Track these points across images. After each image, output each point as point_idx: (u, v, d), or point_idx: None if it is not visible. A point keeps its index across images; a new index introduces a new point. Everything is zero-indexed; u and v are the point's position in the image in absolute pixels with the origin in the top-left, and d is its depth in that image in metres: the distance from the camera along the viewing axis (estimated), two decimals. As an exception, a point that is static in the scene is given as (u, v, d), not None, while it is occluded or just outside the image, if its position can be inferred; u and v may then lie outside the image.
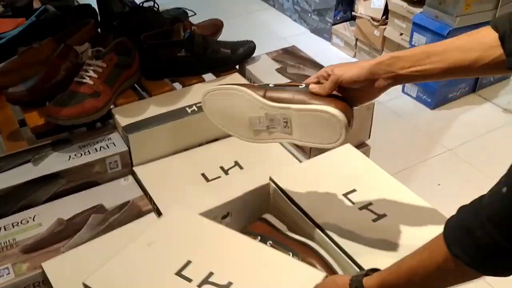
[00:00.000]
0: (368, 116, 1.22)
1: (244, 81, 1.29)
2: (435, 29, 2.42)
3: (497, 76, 2.73)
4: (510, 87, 2.78)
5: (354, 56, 3.11)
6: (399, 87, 2.79)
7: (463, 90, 2.69)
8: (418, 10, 2.54)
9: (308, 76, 1.30)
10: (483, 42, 0.74)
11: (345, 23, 3.21)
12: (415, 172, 2.19)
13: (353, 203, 0.97)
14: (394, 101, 2.70)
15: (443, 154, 2.30)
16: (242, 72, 1.35)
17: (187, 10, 1.52)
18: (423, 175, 2.17)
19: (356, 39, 3.05)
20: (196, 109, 1.16)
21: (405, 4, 2.61)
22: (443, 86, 2.58)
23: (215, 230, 0.89)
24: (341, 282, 0.75)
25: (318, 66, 1.34)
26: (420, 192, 0.98)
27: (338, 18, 3.21)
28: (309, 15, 3.45)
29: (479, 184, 2.21)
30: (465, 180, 2.10)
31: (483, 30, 0.75)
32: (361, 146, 1.26)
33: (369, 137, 1.27)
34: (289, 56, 1.39)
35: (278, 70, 1.33)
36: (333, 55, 3.20)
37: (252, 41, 1.36)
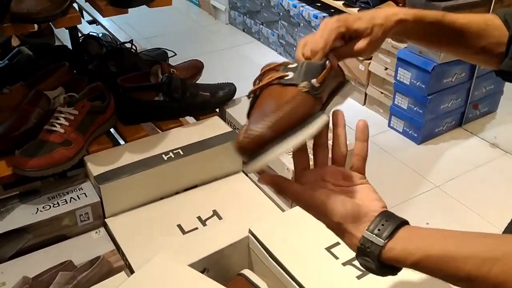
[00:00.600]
0: (348, 162, 1.18)
1: (224, 124, 1.25)
2: (420, 64, 2.41)
3: (484, 67, 2.70)
4: (496, 120, 2.78)
5: (340, 90, 3.09)
6: (385, 122, 2.78)
7: (449, 125, 2.68)
8: (402, 46, 2.54)
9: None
10: (495, 34, 0.73)
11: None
12: (403, 210, 2.15)
13: (336, 257, 0.92)
14: (381, 136, 2.68)
15: (431, 191, 2.26)
16: (222, 115, 1.31)
17: (167, 51, 1.48)
18: (411, 214, 2.13)
19: (342, 73, 3.04)
20: (172, 156, 1.11)
21: (389, 39, 2.61)
22: (429, 121, 2.56)
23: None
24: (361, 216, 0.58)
25: (300, 109, 1.31)
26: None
27: (323, 52, 3.21)
28: (294, 49, 3.45)
29: (468, 222, 2.19)
30: (453, 219, 2.06)
31: (494, 21, 0.74)
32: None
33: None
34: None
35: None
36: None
37: (232, 84, 1.32)
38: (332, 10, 3.09)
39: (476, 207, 2.08)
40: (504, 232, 0.75)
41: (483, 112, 2.78)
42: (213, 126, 1.23)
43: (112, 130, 1.24)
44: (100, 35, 1.54)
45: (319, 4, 3.16)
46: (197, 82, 1.41)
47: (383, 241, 0.54)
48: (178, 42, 3.74)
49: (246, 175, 1.22)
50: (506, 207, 2.15)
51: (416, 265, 0.54)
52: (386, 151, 2.54)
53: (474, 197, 2.16)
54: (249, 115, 0.64)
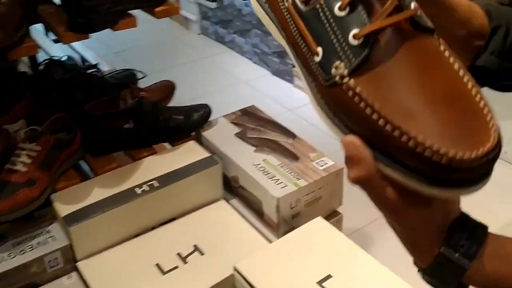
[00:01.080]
0: (338, 182, 1.12)
1: (201, 149, 1.17)
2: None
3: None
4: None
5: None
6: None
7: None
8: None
9: (270, 140, 1.21)
10: (476, 23, 0.64)
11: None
12: (379, 227, 2.09)
13: (329, 292, 0.86)
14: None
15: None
16: (199, 140, 1.23)
17: (135, 72, 1.40)
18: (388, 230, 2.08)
19: (318, 80, 2.99)
20: (147, 189, 1.03)
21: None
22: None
23: None
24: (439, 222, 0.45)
25: (281, 128, 1.24)
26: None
27: (298, 59, 3.16)
28: (269, 57, 3.39)
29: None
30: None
31: (476, 9, 0.64)
32: (333, 214, 1.15)
33: (340, 204, 1.16)
34: (249, 118, 1.29)
35: (237, 135, 1.22)
36: (296, 96, 3.13)
37: (207, 105, 1.25)
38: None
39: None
40: None
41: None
42: (190, 152, 1.16)
43: (81, 162, 1.15)
44: (65, 57, 1.45)
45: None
46: (169, 104, 1.34)
47: (469, 263, 0.43)
48: (150, 55, 3.65)
49: (228, 202, 1.15)
50: (493, 211, 2.11)
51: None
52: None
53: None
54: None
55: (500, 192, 2.18)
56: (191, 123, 1.21)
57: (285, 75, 3.27)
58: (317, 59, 0.41)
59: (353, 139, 0.39)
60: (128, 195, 1.02)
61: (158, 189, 1.04)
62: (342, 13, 0.39)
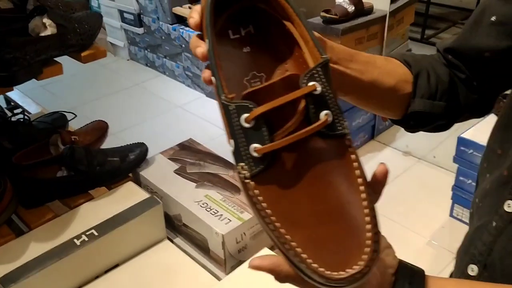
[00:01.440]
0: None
1: (141, 190, 1.15)
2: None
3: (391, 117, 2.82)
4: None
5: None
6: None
7: (363, 139, 2.74)
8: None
9: (210, 174, 1.20)
10: (399, 72, 0.68)
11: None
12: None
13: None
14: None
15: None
16: (137, 180, 1.21)
17: (65, 113, 1.36)
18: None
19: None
20: (86, 239, 1.00)
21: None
22: (343, 138, 2.60)
23: None
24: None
25: (220, 160, 1.24)
26: None
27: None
28: (202, 79, 3.39)
29: (395, 236, 2.20)
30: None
31: (394, 61, 0.69)
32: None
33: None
34: (187, 152, 1.28)
35: (177, 172, 1.21)
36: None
37: (143, 144, 1.23)
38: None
39: (401, 219, 2.12)
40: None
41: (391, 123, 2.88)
42: (128, 194, 1.13)
43: (13, 216, 1.10)
44: (-13, 105, 1.38)
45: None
46: (102, 146, 1.31)
47: None
48: (78, 85, 3.55)
49: (172, 241, 1.13)
50: (429, 215, 2.21)
51: None
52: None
53: (398, 210, 2.20)
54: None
55: (433, 195, 2.28)
56: (128, 164, 1.18)
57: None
58: (231, 148, 0.43)
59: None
60: (67, 248, 0.98)
61: (98, 238, 1.00)
62: (247, 125, 0.42)
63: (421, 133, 0.78)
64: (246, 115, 0.41)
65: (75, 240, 1.00)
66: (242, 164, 0.42)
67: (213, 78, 0.45)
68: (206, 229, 1.06)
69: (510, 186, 0.62)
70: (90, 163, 1.12)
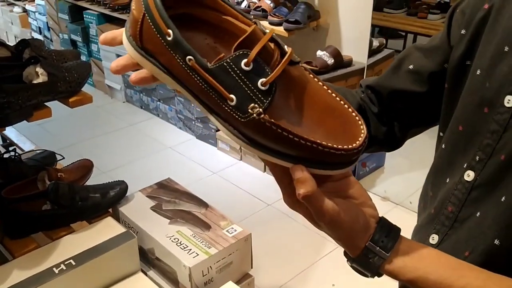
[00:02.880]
0: (247, 247, 1.22)
1: (118, 225, 1.25)
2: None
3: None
4: (384, 175, 2.99)
5: (241, 159, 3.19)
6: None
7: (344, 184, 2.84)
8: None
9: (184, 211, 1.30)
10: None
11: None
12: (309, 275, 2.21)
13: None
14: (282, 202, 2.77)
15: (334, 251, 2.36)
16: (116, 215, 1.31)
17: (55, 153, 1.47)
18: (316, 277, 2.20)
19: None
20: (64, 268, 1.09)
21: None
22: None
23: None
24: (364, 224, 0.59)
25: (194, 199, 1.34)
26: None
27: (220, 124, 3.31)
28: (193, 122, 3.52)
29: (375, 279, 2.28)
30: (357, 277, 2.15)
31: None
32: (244, 277, 1.25)
33: (251, 267, 1.26)
34: (164, 191, 1.38)
35: (153, 208, 1.31)
36: (220, 159, 3.26)
37: (123, 182, 1.34)
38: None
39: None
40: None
41: (372, 168, 2.98)
42: (107, 229, 1.23)
43: (-2, 245, 1.19)
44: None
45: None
46: (88, 183, 1.41)
47: (387, 254, 0.58)
48: (74, 124, 3.67)
49: (145, 274, 1.22)
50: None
51: (411, 282, 0.58)
52: (288, 215, 2.63)
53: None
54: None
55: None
56: (108, 200, 1.28)
57: (209, 138, 3.40)
58: (232, 103, 0.52)
59: (299, 166, 0.53)
60: (45, 276, 1.06)
61: (75, 267, 1.09)
62: (248, 68, 0.51)
63: (399, 179, 0.91)
64: (245, 60, 0.51)
65: (54, 269, 1.08)
66: (252, 104, 0.51)
67: (190, 57, 0.53)
68: (175, 262, 1.15)
69: (435, 222, 0.74)
70: (73, 199, 1.22)
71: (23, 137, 2.15)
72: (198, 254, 1.14)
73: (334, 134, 0.53)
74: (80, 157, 1.47)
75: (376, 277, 0.61)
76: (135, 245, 1.20)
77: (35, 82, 1.10)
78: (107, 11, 3.96)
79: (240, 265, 1.23)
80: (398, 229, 0.60)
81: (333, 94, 0.55)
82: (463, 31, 0.75)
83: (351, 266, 0.62)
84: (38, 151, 1.52)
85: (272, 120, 0.51)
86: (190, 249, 1.16)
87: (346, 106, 0.54)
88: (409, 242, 0.60)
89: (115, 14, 3.88)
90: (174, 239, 1.20)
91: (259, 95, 0.52)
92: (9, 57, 1.21)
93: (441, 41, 0.80)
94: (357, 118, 0.54)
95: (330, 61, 2.49)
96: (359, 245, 0.58)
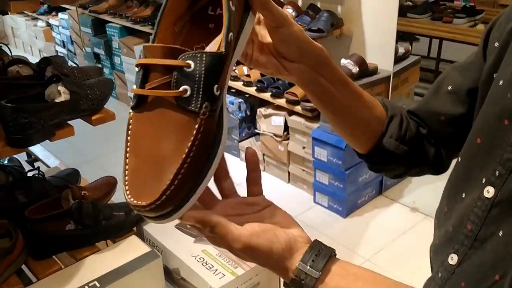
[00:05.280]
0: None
1: (143, 244, 1.22)
2: (334, 142, 2.52)
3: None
4: (412, 184, 2.92)
5: (264, 170, 3.15)
6: (310, 198, 2.83)
7: (370, 194, 2.78)
8: (315, 125, 2.65)
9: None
10: (377, 110, 0.78)
11: (250, 138, 3.28)
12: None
13: None
14: (307, 213, 2.73)
15: (362, 265, 2.30)
16: (140, 234, 1.28)
17: (78, 171, 1.46)
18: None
19: (264, 154, 3.11)
20: (89, 290, 1.06)
21: (302, 120, 2.72)
22: (351, 194, 2.65)
23: None
24: (280, 262, 0.58)
25: (219, 216, 1.31)
26: None
27: (243, 135, 3.29)
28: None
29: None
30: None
31: (376, 101, 0.79)
32: None
33: (280, 287, 1.22)
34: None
35: (177, 227, 1.28)
36: (243, 169, 3.23)
37: (147, 199, 1.31)
38: (247, 95, 3.19)
39: (407, 276, 2.12)
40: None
41: (399, 179, 2.92)
42: (131, 248, 1.20)
43: (23, 266, 1.17)
44: (6, 161, 1.49)
45: (233, 91, 3.26)
46: (111, 198, 1.39)
47: (318, 273, 0.56)
48: (98, 138, 3.67)
49: (170, 294, 1.19)
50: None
51: None
52: (314, 227, 2.58)
53: (404, 267, 2.21)
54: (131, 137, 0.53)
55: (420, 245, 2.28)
56: (132, 218, 1.26)
57: (232, 149, 3.38)
58: None
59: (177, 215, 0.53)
60: (70, 299, 1.05)
61: (100, 289, 1.07)
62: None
63: (428, 189, 0.87)
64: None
65: (79, 291, 1.06)
66: (132, 97, 0.54)
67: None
68: (201, 283, 1.11)
69: (454, 241, 0.69)
70: (96, 218, 1.20)
71: (47, 152, 2.15)
72: (224, 275, 1.11)
73: (138, 177, 0.51)
74: (104, 171, 1.45)
75: None
76: (160, 265, 1.17)
77: (57, 100, 1.08)
78: (129, 24, 3.98)
79: (268, 285, 1.19)
80: (331, 250, 0.59)
81: (179, 159, 0.50)
82: (496, 44, 0.71)
83: None
84: (61, 170, 1.50)
85: (130, 120, 0.53)
86: (216, 269, 1.13)
87: (172, 172, 0.49)
88: (344, 263, 0.58)
89: (137, 27, 3.89)
90: (200, 258, 1.16)
91: (133, 95, 0.54)
92: (32, 76, 1.20)
93: (477, 57, 0.76)
94: (167, 183, 0.49)
95: (355, 69, 2.44)
96: (289, 266, 0.57)
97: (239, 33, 0.58)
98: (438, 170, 0.85)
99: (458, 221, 0.70)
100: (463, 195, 0.70)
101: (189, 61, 0.51)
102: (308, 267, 0.56)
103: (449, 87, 0.78)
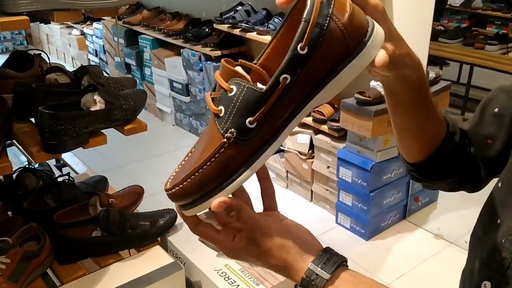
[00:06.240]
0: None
1: (166, 254, 1.23)
2: (359, 163, 2.50)
3: (409, 158, 2.82)
4: (437, 210, 2.87)
5: (287, 187, 3.15)
6: (332, 218, 2.81)
7: (394, 218, 2.74)
8: (341, 145, 2.64)
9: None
10: (442, 126, 0.78)
11: (275, 155, 3.28)
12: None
13: None
14: (329, 233, 2.70)
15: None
16: (164, 244, 1.29)
17: (106, 177, 1.48)
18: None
19: (287, 171, 3.11)
20: (112, 298, 1.07)
21: (328, 140, 2.71)
22: (374, 217, 2.62)
23: None
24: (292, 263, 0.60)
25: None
26: None
27: (268, 151, 3.28)
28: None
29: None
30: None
31: (441, 115, 0.79)
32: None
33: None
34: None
35: (201, 240, 1.28)
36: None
37: (172, 210, 1.32)
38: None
39: (428, 303, 2.09)
40: None
41: (424, 203, 2.87)
42: (155, 258, 1.21)
43: (48, 269, 1.19)
44: (37, 165, 1.52)
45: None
46: (137, 208, 1.40)
47: (328, 275, 0.57)
48: (125, 145, 3.73)
49: (191, 307, 1.19)
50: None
51: None
52: (335, 248, 2.54)
53: (425, 293, 2.17)
54: None
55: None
56: (157, 229, 1.27)
57: (256, 166, 3.38)
58: None
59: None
60: (92, 305, 1.06)
61: (122, 297, 1.08)
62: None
63: (453, 216, 0.86)
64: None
65: (101, 298, 1.08)
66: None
67: None
68: None
69: (487, 268, 0.68)
70: (123, 226, 1.21)
71: (76, 158, 2.19)
72: (246, 291, 1.11)
73: (180, 169, 0.59)
74: (130, 179, 1.47)
75: None
76: (182, 277, 1.18)
77: (92, 109, 1.11)
78: (161, 36, 4.04)
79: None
80: (343, 257, 0.60)
81: (204, 160, 0.56)
82: None
83: None
84: (91, 176, 1.53)
85: None
86: (238, 285, 1.13)
87: (195, 167, 0.56)
88: (354, 272, 0.59)
89: (169, 40, 3.95)
90: (222, 273, 1.16)
91: None
92: (69, 84, 1.23)
93: None
94: (185, 175, 0.56)
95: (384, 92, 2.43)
96: (302, 266, 0.58)
97: (321, 81, 0.55)
98: (474, 188, 0.85)
99: (492, 248, 0.69)
100: (498, 221, 0.70)
101: (233, 86, 0.54)
102: (319, 269, 0.57)
103: (496, 109, 0.77)
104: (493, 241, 0.70)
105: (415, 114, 0.74)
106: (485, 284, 0.69)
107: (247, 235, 0.59)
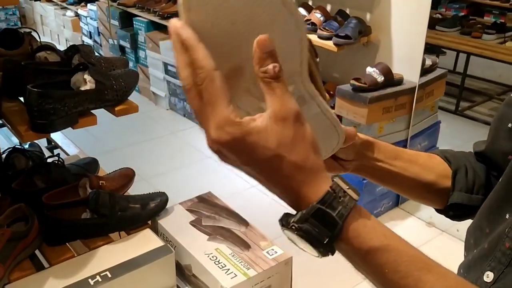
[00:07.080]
0: (287, 271, 1.17)
1: (156, 238, 1.22)
2: (353, 150, 2.50)
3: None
4: (430, 199, 2.88)
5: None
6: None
7: (386, 205, 2.75)
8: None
9: (223, 228, 1.26)
10: (439, 168, 0.78)
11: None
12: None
13: None
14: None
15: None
16: (154, 227, 1.28)
17: (97, 160, 1.46)
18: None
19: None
20: (100, 280, 1.06)
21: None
22: (368, 204, 2.62)
23: None
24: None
25: (234, 216, 1.30)
26: None
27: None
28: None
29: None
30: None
31: (436, 157, 0.79)
32: (282, 302, 1.19)
33: (290, 292, 1.21)
34: (205, 205, 1.35)
35: (192, 223, 1.27)
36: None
37: (164, 194, 1.31)
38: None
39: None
40: None
41: (417, 191, 2.88)
42: (144, 241, 1.20)
43: (36, 251, 1.18)
44: (27, 145, 1.50)
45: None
46: (128, 191, 1.39)
47: (358, 196, 0.48)
48: (118, 129, 3.72)
49: (180, 290, 1.18)
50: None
51: (372, 253, 0.50)
52: (328, 235, 2.55)
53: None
54: None
55: (454, 269, 2.24)
56: (147, 212, 1.26)
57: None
58: None
59: None
60: (81, 287, 1.04)
61: (111, 279, 1.06)
62: None
63: None
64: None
65: (90, 280, 1.06)
66: None
67: None
68: (212, 282, 1.11)
69: (489, 258, 0.67)
70: (112, 208, 1.20)
71: (67, 140, 2.17)
72: (236, 275, 1.10)
73: None
74: (122, 162, 1.45)
75: (329, 254, 0.51)
76: (172, 260, 1.17)
77: (82, 89, 1.08)
78: (156, 19, 4.00)
79: (279, 288, 1.17)
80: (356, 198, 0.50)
81: None
82: None
83: (298, 234, 0.49)
84: (82, 158, 1.51)
85: None
86: (228, 269, 1.12)
87: None
88: (365, 213, 0.51)
89: (164, 22, 3.91)
90: (213, 257, 1.15)
91: None
92: (59, 62, 1.20)
93: None
94: None
95: (380, 78, 2.41)
96: (327, 175, 0.48)
97: None
98: None
99: (495, 239, 0.69)
100: (507, 216, 0.69)
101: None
102: (347, 187, 0.48)
103: (509, 125, 0.75)
104: (496, 233, 0.69)
105: (399, 176, 0.76)
106: (487, 275, 0.68)
107: (283, 115, 0.47)
